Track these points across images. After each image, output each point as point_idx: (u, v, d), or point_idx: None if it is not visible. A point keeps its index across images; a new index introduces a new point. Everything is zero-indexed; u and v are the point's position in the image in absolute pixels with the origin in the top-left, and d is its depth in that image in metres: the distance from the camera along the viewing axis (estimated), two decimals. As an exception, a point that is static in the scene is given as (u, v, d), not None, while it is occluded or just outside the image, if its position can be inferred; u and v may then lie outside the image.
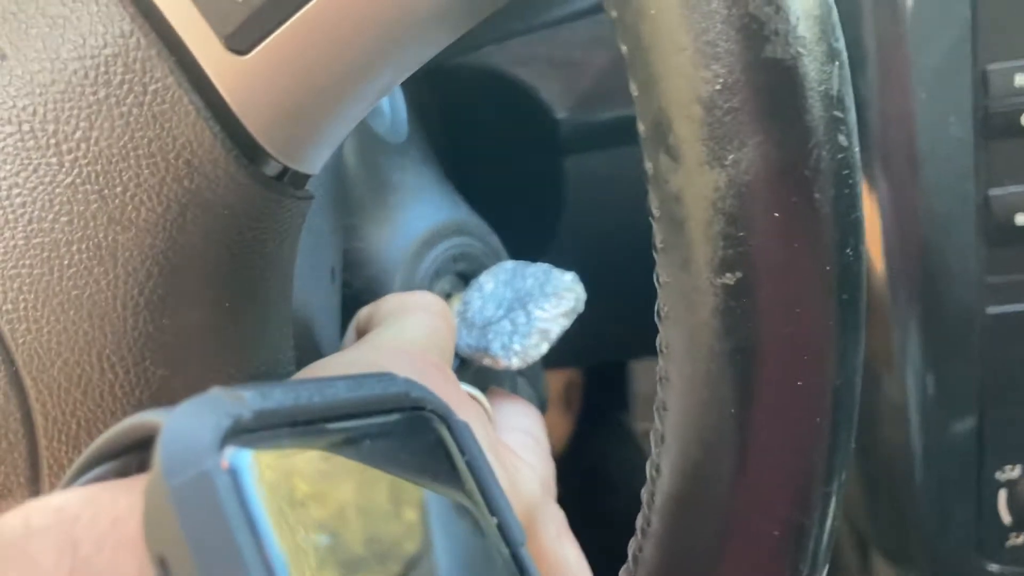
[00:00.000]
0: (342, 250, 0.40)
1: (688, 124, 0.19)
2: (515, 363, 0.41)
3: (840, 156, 0.19)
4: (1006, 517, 0.55)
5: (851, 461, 0.23)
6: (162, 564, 0.15)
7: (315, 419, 0.18)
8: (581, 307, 0.42)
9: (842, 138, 0.20)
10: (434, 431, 0.22)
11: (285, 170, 0.24)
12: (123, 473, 0.19)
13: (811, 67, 0.19)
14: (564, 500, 1.18)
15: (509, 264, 0.44)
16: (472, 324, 0.43)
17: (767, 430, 0.21)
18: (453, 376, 0.31)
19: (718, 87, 0.19)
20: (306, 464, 0.18)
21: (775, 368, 0.21)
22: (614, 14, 0.20)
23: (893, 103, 0.46)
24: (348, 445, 0.19)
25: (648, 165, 0.21)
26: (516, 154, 0.53)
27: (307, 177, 0.25)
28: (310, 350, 0.34)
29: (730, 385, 0.21)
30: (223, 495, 0.15)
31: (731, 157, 0.19)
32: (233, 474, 0.15)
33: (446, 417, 0.22)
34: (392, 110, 0.47)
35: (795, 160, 0.19)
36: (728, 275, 0.20)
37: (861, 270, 0.21)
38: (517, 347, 0.41)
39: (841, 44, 0.20)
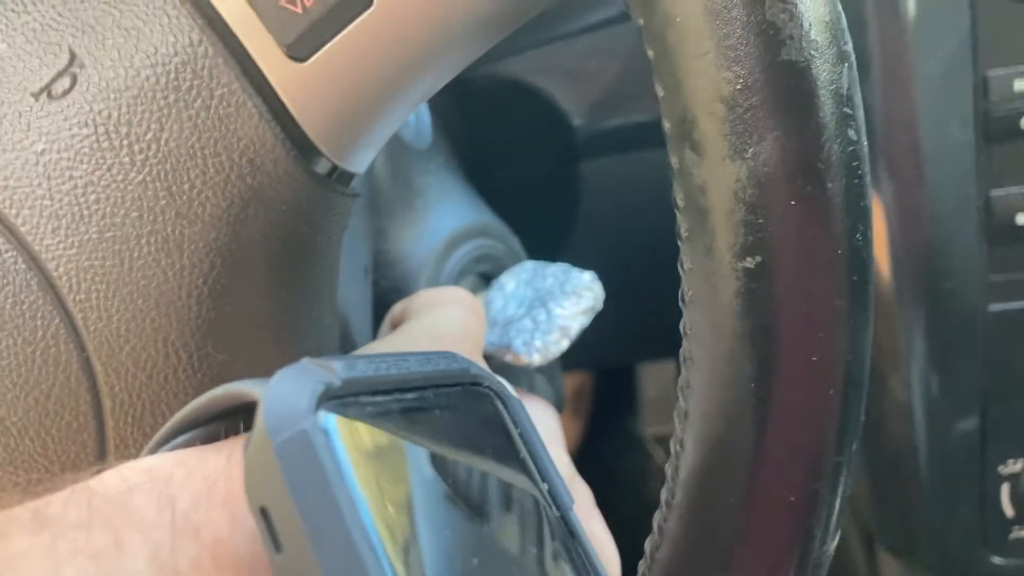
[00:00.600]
0: (374, 251, 0.42)
1: (712, 121, 0.21)
2: (536, 359, 0.43)
3: (850, 149, 0.21)
4: (1009, 510, 0.56)
5: (860, 433, 0.25)
6: (263, 514, 0.17)
7: (392, 389, 0.20)
8: (600, 305, 0.44)
9: (852, 133, 0.21)
10: (492, 404, 0.24)
11: (334, 168, 0.26)
12: (209, 439, 0.20)
13: (823, 68, 0.21)
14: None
15: (530, 264, 0.46)
16: (495, 322, 0.45)
17: (785, 403, 0.23)
18: (486, 366, 0.33)
19: (739, 87, 0.21)
20: (383, 431, 0.20)
21: (792, 345, 0.23)
22: (641, 22, 0.22)
23: (897, 108, 0.48)
24: (421, 412, 0.21)
25: (674, 160, 0.23)
26: (534, 159, 0.55)
27: (353, 176, 0.27)
28: (347, 343, 0.36)
29: (751, 362, 0.23)
30: (320, 451, 0.17)
31: (751, 151, 0.21)
32: (326, 434, 0.17)
33: (500, 393, 0.24)
34: (417, 118, 0.49)
35: (810, 153, 0.21)
36: (749, 259, 0.22)
37: (870, 254, 0.23)
38: (538, 344, 0.43)
39: (850, 47, 0.22)
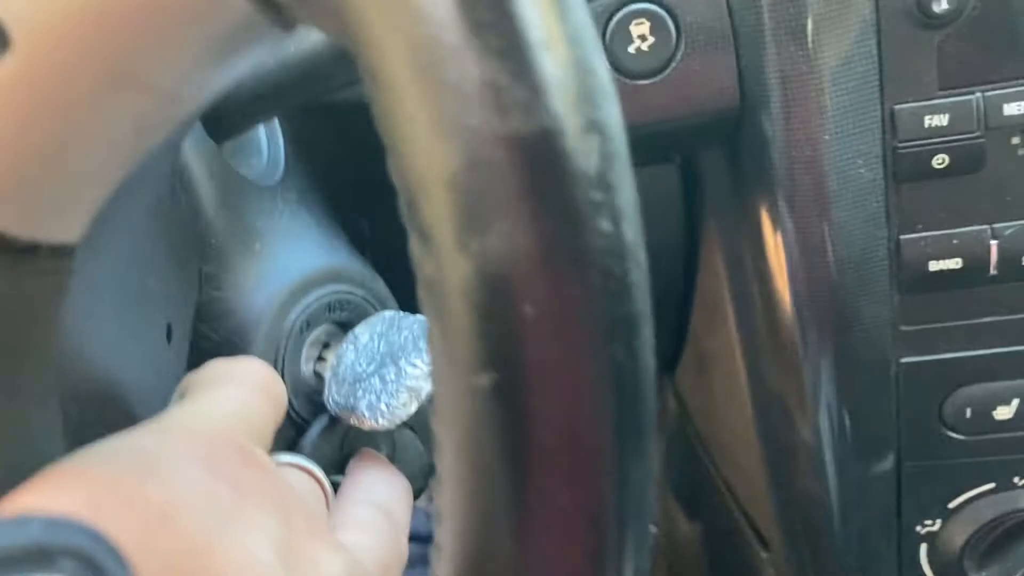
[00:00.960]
0: (188, 303, 0.37)
1: (430, 204, 0.17)
2: (382, 423, 0.39)
3: (602, 243, 0.17)
4: (928, 572, 0.52)
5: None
6: None
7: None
8: None
9: (605, 223, 0.17)
10: None
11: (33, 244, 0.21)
12: None
13: (562, 142, 0.16)
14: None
15: (388, 314, 0.42)
16: (343, 379, 0.40)
17: (543, 550, 0.19)
18: (261, 458, 0.28)
19: (456, 164, 0.16)
20: None
21: (546, 484, 0.18)
22: (359, 62, 0.18)
23: (798, 144, 0.43)
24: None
25: (410, 246, 0.18)
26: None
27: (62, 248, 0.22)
28: (136, 417, 0.32)
29: (501, 500, 0.18)
30: None
31: (476, 244, 0.17)
32: None
33: (100, 566, 0.19)
34: (268, 150, 0.44)
35: (546, 249, 0.17)
36: (485, 375, 0.17)
37: (640, 370, 0.18)
38: (383, 407, 0.38)
39: (605, 113, 0.17)
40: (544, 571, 0.19)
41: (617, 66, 0.43)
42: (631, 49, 0.42)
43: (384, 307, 0.44)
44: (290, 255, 0.41)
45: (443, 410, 0.19)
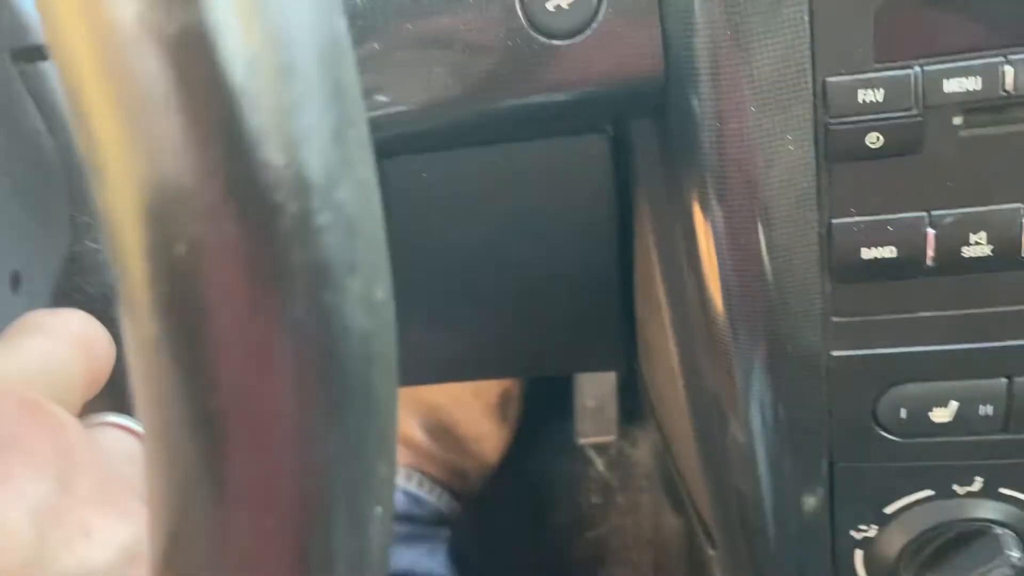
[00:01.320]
0: (50, 252, 0.35)
1: (93, 125, 0.15)
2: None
3: (270, 176, 0.15)
4: (863, 578, 0.50)
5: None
6: None
7: None
8: None
9: (274, 154, 0.15)
10: None
11: None
12: None
13: (217, 39, 0.14)
14: (507, 513, 1.13)
15: None
16: None
17: (235, 519, 0.17)
18: (51, 415, 0.26)
19: (110, 70, 0.14)
20: None
21: (227, 449, 0.16)
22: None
23: (724, 116, 0.41)
24: None
25: None
26: None
27: None
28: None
29: (187, 461, 0.16)
30: None
31: (138, 168, 0.15)
32: None
33: None
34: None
35: (198, 176, 0.14)
36: (151, 323, 0.15)
37: (331, 331, 0.16)
38: None
39: (275, 16, 0.15)
40: (242, 539, 0.17)
41: (535, 23, 0.40)
42: (550, 6, 0.40)
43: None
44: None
45: (130, 360, 0.17)
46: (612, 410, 1.27)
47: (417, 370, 0.67)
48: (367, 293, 0.16)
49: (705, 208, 0.43)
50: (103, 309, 0.37)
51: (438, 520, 1.08)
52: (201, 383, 0.15)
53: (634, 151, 0.46)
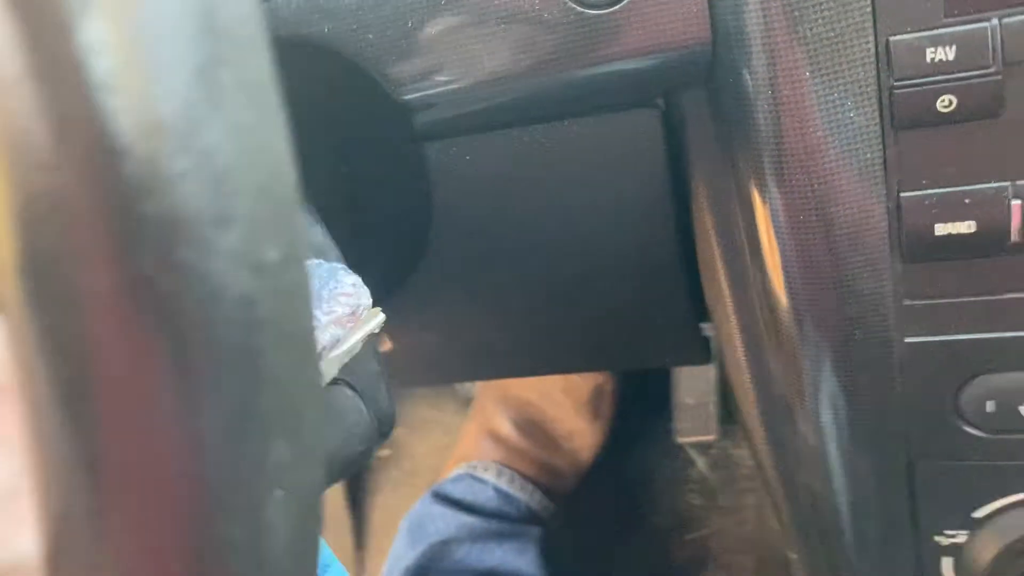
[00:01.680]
0: None
1: None
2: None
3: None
4: (953, 590, 0.45)
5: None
6: None
7: None
8: (365, 314, 0.36)
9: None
10: None
11: None
12: None
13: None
14: (602, 513, 1.10)
15: (313, 262, 0.39)
16: None
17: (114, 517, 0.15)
18: None
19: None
20: None
21: (91, 429, 0.15)
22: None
23: (777, 83, 0.37)
24: None
25: None
26: (357, 144, 0.47)
27: None
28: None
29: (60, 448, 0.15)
30: None
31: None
32: None
33: None
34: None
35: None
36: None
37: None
38: None
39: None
40: (122, 525, 0.15)
41: (571, -7, 0.38)
42: (585, -26, 0.38)
43: (321, 258, 0.41)
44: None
45: None
46: (712, 407, 1.22)
47: (488, 363, 0.65)
48: (249, 251, 0.14)
49: (762, 185, 0.40)
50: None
51: (529, 518, 1.06)
52: (57, 346, 0.14)
53: (687, 125, 0.43)
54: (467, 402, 1.23)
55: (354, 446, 0.43)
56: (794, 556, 0.56)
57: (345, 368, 0.42)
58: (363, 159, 0.48)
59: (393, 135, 0.44)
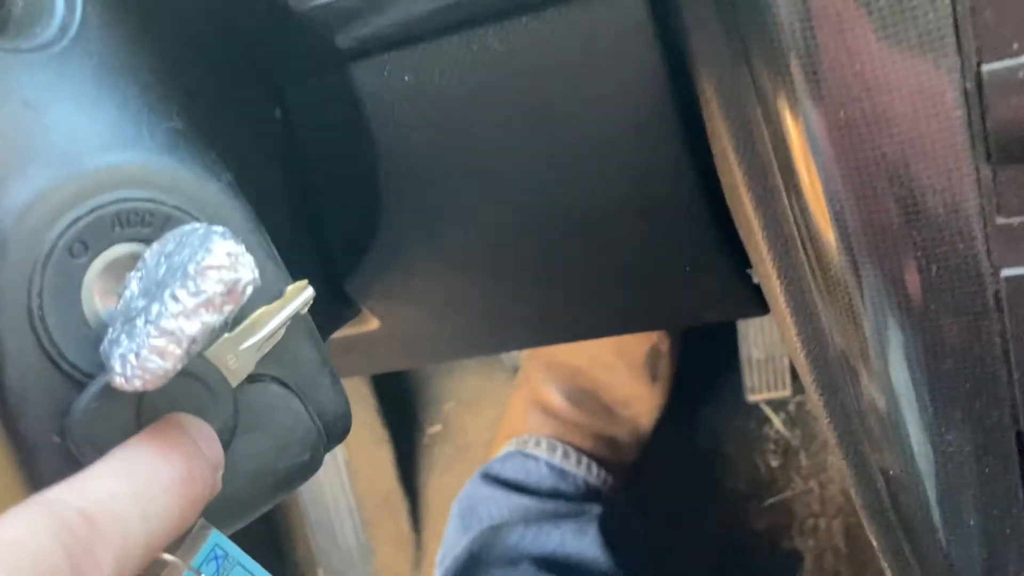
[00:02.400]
0: None
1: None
2: (135, 383, 0.27)
3: None
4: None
5: None
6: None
7: None
8: (243, 291, 0.27)
9: None
10: None
11: None
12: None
13: None
14: (669, 483, 1.01)
15: (188, 227, 0.30)
16: (117, 320, 0.29)
17: None
18: None
19: None
20: None
21: None
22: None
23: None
24: None
25: None
26: (283, 80, 0.37)
27: None
28: None
29: None
30: None
31: None
32: None
33: None
34: (65, 10, 0.33)
35: None
36: None
37: None
38: (132, 359, 0.27)
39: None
40: None
41: None
42: None
43: (217, 220, 0.32)
44: (55, 148, 0.30)
45: None
46: (784, 360, 1.11)
47: (503, 333, 0.56)
48: None
49: (790, 93, 0.29)
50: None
51: (588, 495, 0.97)
52: None
53: (683, 15, 0.33)
54: (514, 371, 1.14)
55: (291, 457, 0.34)
56: (875, 543, 0.45)
57: (270, 360, 0.33)
58: (293, 98, 0.39)
59: (316, 59, 0.34)
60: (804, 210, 0.32)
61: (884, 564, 0.44)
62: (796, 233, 0.33)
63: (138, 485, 0.26)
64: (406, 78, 0.34)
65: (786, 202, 0.33)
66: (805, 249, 0.33)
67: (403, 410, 1.24)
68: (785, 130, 0.30)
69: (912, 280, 0.31)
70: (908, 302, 0.31)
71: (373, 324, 0.52)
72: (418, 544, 1.25)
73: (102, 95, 0.31)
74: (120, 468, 0.26)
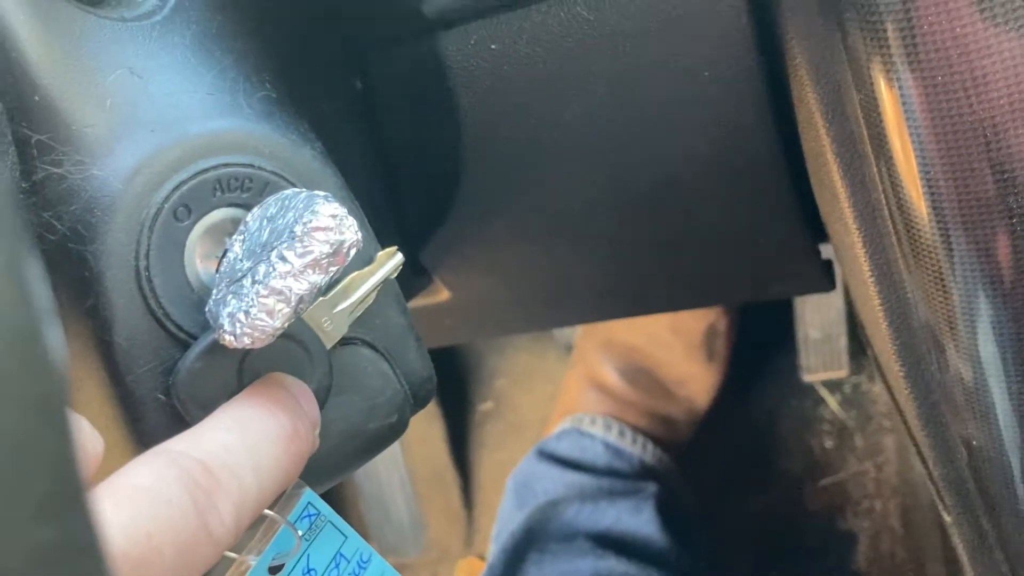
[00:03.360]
0: (20, 183, 0.28)
1: None
2: (244, 341, 0.28)
3: None
4: None
5: None
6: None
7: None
8: (347, 252, 0.28)
9: None
10: None
11: None
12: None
13: None
14: (725, 463, 1.00)
15: (289, 192, 0.30)
16: (222, 281, 0.30)
17: None
18: None
19: None
20: None
21: None
22: None
23: None
24: None
25: None
26: (365, 50, 0.38)
27: None
28: None
29: None
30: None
31: None
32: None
33: None
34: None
35: None
36: None
37: None
38: (241, 316, 0.27)
39: None
40: None
41: None
42: None
43: (312, 186, 0.33)
44: (160, 114, 0.31)
45: None
46: (841, 340, 1.10)
47: (569, 307, 0.56)
48: None
49: (888, 66, 0.29)
50: (76, 247, 0.30)
51: (643, 473, 0.97)
52: None
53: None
54: (568, 349, 1.15)
55: (380, 418, 0.35)
56: (948, 519, 0.45)
57: (361, 324, 0.34)
58: (376, 68, 0.39)
59: (401, 28, 0.35)
60: (894, 177, 0.32)
61: (957, 540, 0.44)
62: (884, 201, 0.33)
63: (249, 440, 0.26)
64: (493, 47, 0.34)
65: (875, 169, 0.33)
66: (892, 217, 0.33)
67: (455, 387, 1.25)
68: (878, 95, 0.30)
69: (1004, 248, 0.31)
70: (999, 271, 0.31)
71: (443, 295, 0.53)
72: (470, 520, 1.26)
73: (200, 64, 0.32)
74: (232, 423, 0.27)
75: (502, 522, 0.98)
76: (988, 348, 0.33)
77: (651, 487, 0.95)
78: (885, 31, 0.28)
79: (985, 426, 0.35)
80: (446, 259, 0.48)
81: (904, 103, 0.29)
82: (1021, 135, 0.28)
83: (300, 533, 0.31)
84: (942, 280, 0.32)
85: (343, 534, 0.33)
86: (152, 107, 0.31)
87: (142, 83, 0.31)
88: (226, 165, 0.31)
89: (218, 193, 0.31)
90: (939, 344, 0.34)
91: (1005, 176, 0.29)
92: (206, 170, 0.31)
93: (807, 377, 1.12)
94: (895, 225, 0.33)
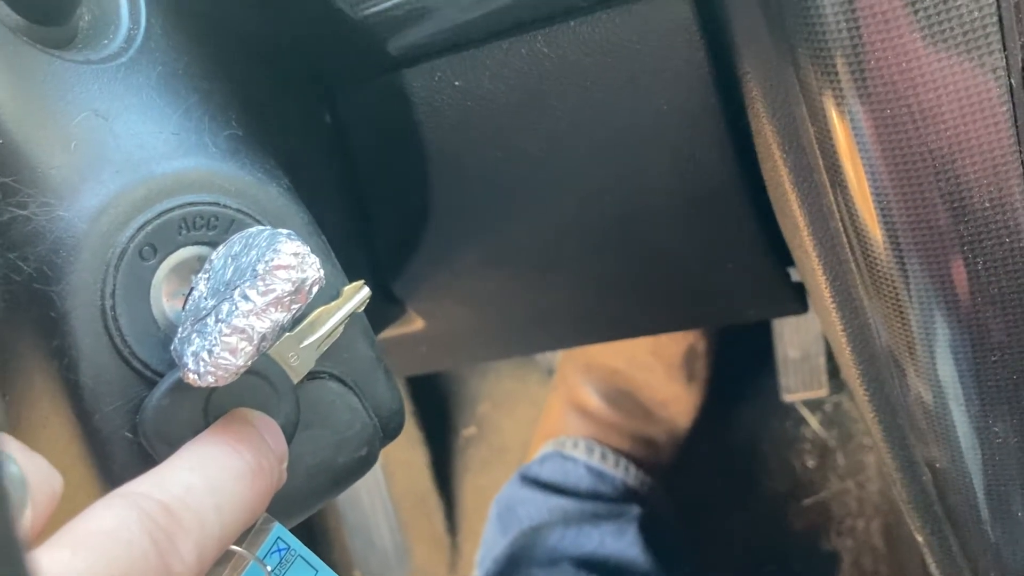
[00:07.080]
0: None
1: None
2: (208, 379, 0.28)
3: None
4: None
5: None
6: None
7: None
8: (309, 289, 0.28)
9: None
10: None
11: None
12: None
13: None
14: (707, 484, 1.01)
15: (254, 230, 0.31)
16: (187, 319, 0.30)
17: None
18: None
19: None
20: None
21: None
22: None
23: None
24: None
25: None
26: (334, 85, 0.38)
27: None
28: None
29: None
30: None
31: None
32: None
33: None
34: (130, 22, 0.34)
35: None
36: None
37: None
38: (205, 355, 0.28)
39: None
40: None
41: None
42: None
43: (278, 223, 0.33)
44: (125, 155, 0.31)
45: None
46: (820, 360, 1.11)
47: (545, 333, 0.57)
48: None
49: (836, 90, 0.30)
50: (41, 288, 0.30)
51: (626, 496, 0.98)
52: None
53: (728, 14, 0.33)
54: (550, 373, 1.15)
55: (349, 452, 0.35)
56: (920, 538, 0.45)
57: (329, 357, 0.34)
58: (344, 103, 0.40)
59: (368, 65, 0.35)
60: (850, 206, 0.32)
61: (929, 560, 0.45)
62: (842, 229, 0.34)
63: (211, 478, 0.27)
64: (456, 83, 0.35)
65: (832, 198, 0.33)
66: (851, 245, 0.34)
67: (438, 412, 1.25)
68: (831, 128, 0.31)
69: (959, 274, 0.31)
70: (955, 296, 0.32)
71: (418, 324, 0.53)
72: (454, 545, 1.26)
73: (166, 104, 0.33)
74: (195, 462, 0.27)
75: (486, 547, 0.98)
76: (947, 371, 0.33)
77: (634, 509, 0.95)
78: (835, 66, 0.29)
79: (947, 447, 0.35)
80: (419, 289, 0.49)
81: (856, 135, 0.30)
82: (969, 165, 0.29)
83: (269, 568, 0.31)
84: (900, 306, 0.33)
85: (313, 568, 0.33)
86: (117, 148, 0.31)
87: (107, 124, 0.31)
88: (191, 204, 0.31)
89: (183, 232, 0.31)
90: (900, 368, 0.35)
91: (956, 205, 0.30)
92: (171, 209, 0.31)
93: (787, 397, 1.12)
94: (853, 253, 0.34)
